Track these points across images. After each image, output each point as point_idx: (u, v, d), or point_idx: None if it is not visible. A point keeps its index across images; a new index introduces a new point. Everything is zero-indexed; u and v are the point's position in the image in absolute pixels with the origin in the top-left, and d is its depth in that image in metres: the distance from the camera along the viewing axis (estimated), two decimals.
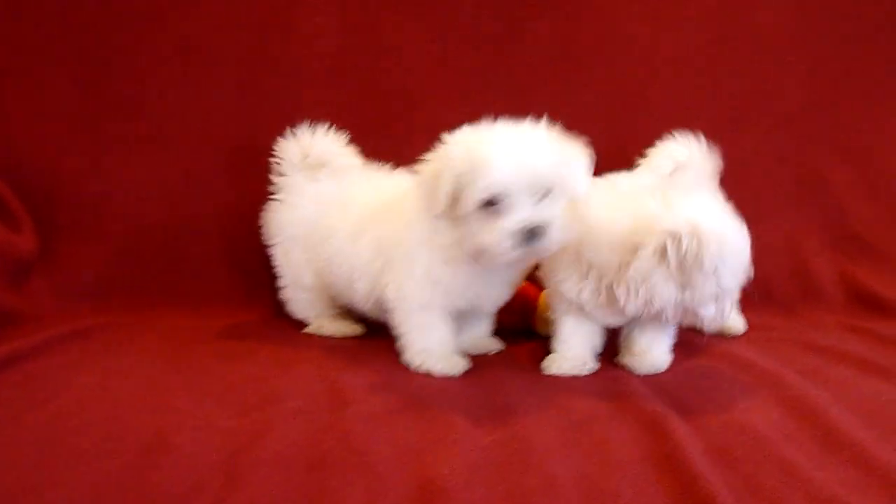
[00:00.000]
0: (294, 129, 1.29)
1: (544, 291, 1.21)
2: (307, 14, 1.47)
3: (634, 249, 0.98)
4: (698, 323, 1.02)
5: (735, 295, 1.04)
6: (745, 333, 1.26)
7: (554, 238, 0.97)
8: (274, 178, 1.28)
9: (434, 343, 1.09)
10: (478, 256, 0.99)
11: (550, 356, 1.08)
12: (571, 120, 1.40)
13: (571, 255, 1.04)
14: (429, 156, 1.03)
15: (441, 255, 1.05)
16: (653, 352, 1.09)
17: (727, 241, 0.98)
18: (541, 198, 0.97)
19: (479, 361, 1.11)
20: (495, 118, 1.05)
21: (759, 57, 1.54)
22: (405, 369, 1.08)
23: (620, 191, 1.11)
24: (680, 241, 0.96)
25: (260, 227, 1.32)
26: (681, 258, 0.97)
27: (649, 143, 1.44)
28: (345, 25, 1.47)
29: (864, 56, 1.56)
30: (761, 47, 1.54)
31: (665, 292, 0.99)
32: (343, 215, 1.19)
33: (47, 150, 1.42)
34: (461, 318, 1.13)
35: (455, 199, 0.98)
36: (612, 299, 1.01)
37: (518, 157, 0.96)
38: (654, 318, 1.03)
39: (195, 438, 0.84)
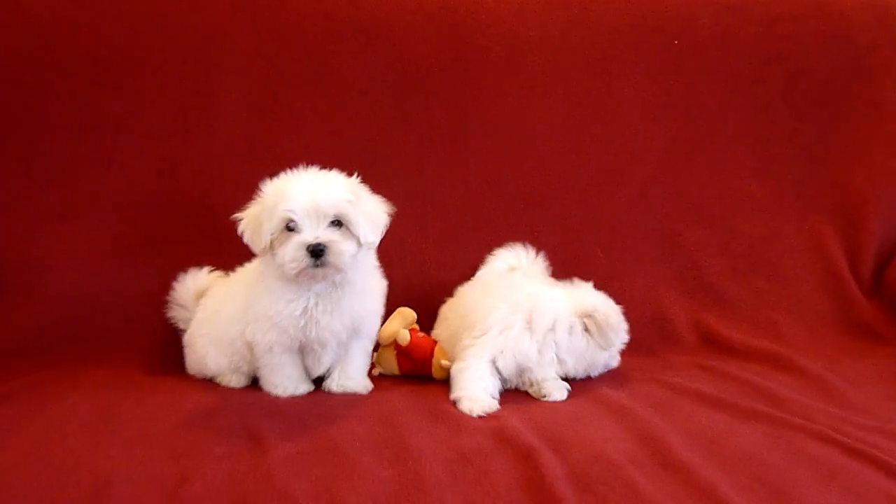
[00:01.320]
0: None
1: (437, 344, 1.40)
2: (224, 93, 1.59)
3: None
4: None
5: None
6: (610, 373, 1.44)
7: (335, 259, 1.19)
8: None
9: (282, 378, 1.31)
10: (284, 273, 1.20)
11: (460, 398, 1.26)
12: (457, 188, 1.65)
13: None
14: (248, 205, 1.26)
15: (270, 291, 1.25)
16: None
17: (617, 310, 1.37)
18: (329, 226, 1.20)
19: (385, 405, 1.25)
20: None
21: (621, 130, 1.71)
22: (318, 414, 1.22)
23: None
24: (596, 317, 1.32)
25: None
26: (601, 328, 1.33)
27: (525, 207, 1.68)
28: (255, 107, 1.60)
29: (712, 128, 1.76)
30: (624, 122, 1.71)
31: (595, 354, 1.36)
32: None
33: None
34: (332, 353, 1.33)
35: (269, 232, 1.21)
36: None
37: (308, 190, 1.20)
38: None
39: (133, 484, 0.96)
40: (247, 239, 1.24)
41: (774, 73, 1.80)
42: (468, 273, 1.59)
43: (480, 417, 1.20)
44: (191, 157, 1.59)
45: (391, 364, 1.41)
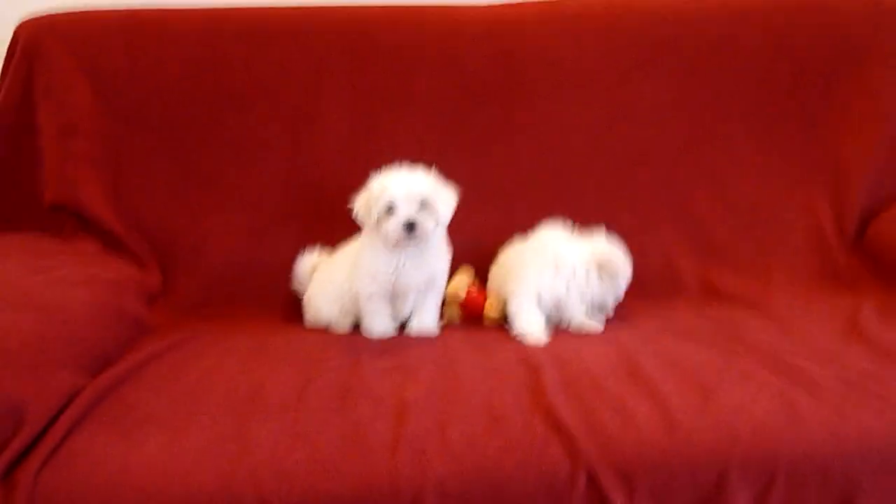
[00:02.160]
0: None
1: (488, 299, 1.88)
2: (328, 112, 2.07)
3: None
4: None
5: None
6: (620, 313, 1.85)
7: (422, 233, 1.67)
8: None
9: (377, 323, 1.78)
10: (386, 242, 1.69)
11: (525, 335, 1.72)
12: (508, 178, 2.10)
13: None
14: (360, 192, 1.74)
15: (373, 253, 1.74)
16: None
17: (624, 258, 1.78)
18: (419, 209, 1.66)
19: (446, 340, 1.72)
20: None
21: (644, 124, 2.11)
22: (399, 345, 1.71)
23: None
24: (606, 265, 1.77)
25: None
26: (610, 274, 1.74)
27: (564, 189, 2.12)
28: (353, 122, 2.06)
29: (724, 115, 2.12)
30: (646, 117, 2.10)
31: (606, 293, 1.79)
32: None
33: (159, 214, 1.99)
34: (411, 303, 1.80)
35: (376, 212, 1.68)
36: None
37: (405, 182, 1.68)
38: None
39: (279, 386, 1.46)
40: (360, 217, 1.72)
41: (779, 67, 2.14)
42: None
43: (511, 345, 1.68)
44: (304, 164, 2.06)
45: (454, 315, 1.88)
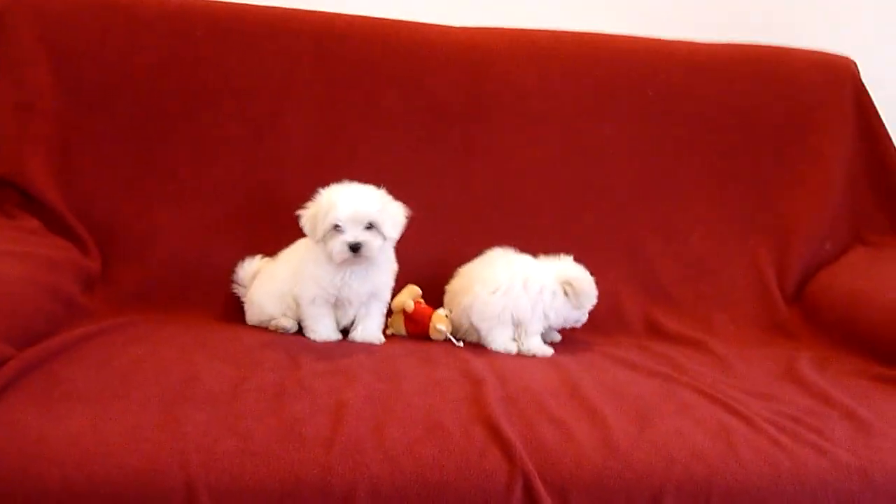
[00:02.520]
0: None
1: (435, 312, 1.87)
2: (293, 117, 2.05)
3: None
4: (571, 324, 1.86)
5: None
6: (566, 343, 1.87)
7: (367, 253, 1.67)
8: None
9: (320, 326, 1.77)
10: (330, 258, 1.68)
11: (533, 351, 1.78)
12: (465, 199, 2.11)
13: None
14: (308, 205, 1.73)
15: (318, 262, 1.73)
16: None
17: (590, 280, 1.82)
18: (365, 228, 1.66)
19: (389, 350, 1.71)
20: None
21: (602, 162, 2.14)
22: (340, 351, 1.69)
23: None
24: (573, 284, 1.79)
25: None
26: (577, 293, 1.77)
27: (520, 216, 2.13)
28: (317, 127, 2.05)
29: (677, 163, 2.17)
30: (604, 155, 2.14)
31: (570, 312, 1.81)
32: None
33: (107, 200, 1.94)
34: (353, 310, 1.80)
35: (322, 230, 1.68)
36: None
37: (351, 202, 1.67)
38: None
39: (213, 379, 1.43)
40: (306, 231, 1.71)
41: (733, 122, 2.21)
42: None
43: (454, 360, 1.66)
44: (266, 163, 2.04)
45: (400, 327, 1.87)
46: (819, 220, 2.19)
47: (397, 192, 1.94)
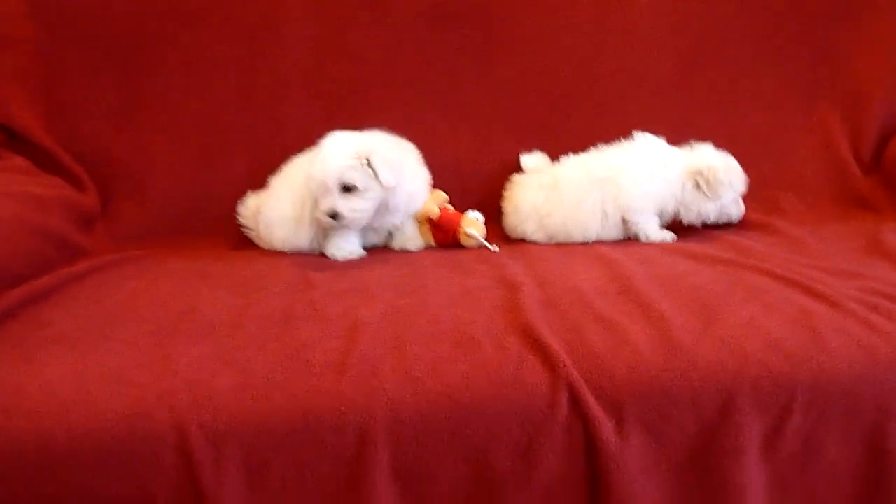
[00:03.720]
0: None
1: (463, 216, 1.67)
2: (289, 30, 1.85)
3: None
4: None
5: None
6: None
7: (349, 222, 1.51)
8: None
9: (344, 243, 1.60)
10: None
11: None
12: (486, 96, 1.89)
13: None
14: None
15: None
16: None
17: (728, 167, 1.64)
18: (342, 192, 1.49)
19: (415, 260, 1.56)
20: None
21: (637, 44, 1.91)
22: (359, 266, 1.54)
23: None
24: (704, 174, 1.62)
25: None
26: (709, 184, 1.61)
27: (547, 111, 1.90)
28: (316, 36, 1.84)
29: (724, 35, 1.91)
30: (638, 37, 1.90)
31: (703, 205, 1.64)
32: None
33: (99, 135, 1.80)
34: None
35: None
36: None
37: (316, 168, 1.50)
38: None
39: (214, 308, 1.28)
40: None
41: None
42: (495, 166, 1.85)
43: (488, 266, 1.47)
44: (264, 82, 1.85)
45: (427, 237, 1.69)
46: (891, 78, 1.91)
47: (412, 99, 1.78)
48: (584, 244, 1.64)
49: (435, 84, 1.89)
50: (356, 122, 1.66)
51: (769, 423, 1.07)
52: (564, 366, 1.07)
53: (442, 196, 1.71)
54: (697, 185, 1.64)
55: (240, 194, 1.78)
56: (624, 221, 1.66)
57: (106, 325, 1.23)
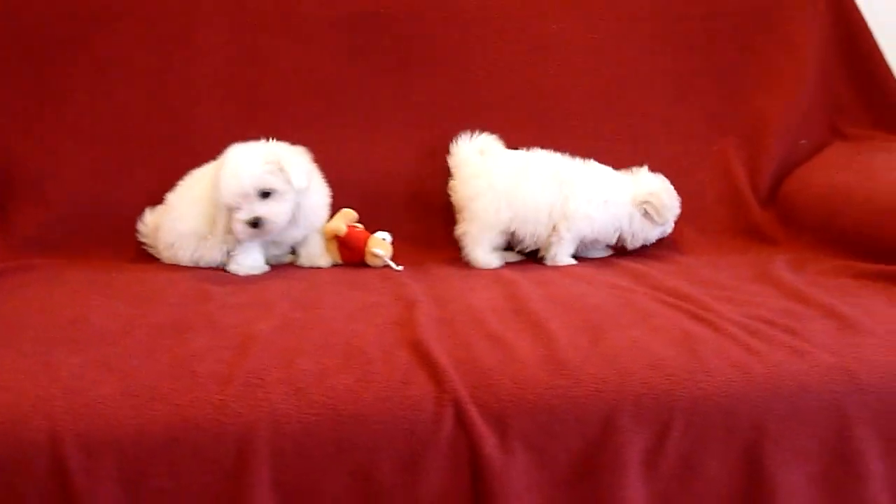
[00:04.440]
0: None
1: (371, 236, 1.68)
2: (203, 36, 1.84)
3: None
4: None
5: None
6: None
7: (271, 226, 1.51)
8: None
9: (247, 259, 1.60)
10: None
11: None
12: (401, 112, 1.90)
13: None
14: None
15: None
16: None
17: (669, 191, 1.70)
18: (260, 198, 1.49)
19: (315, 276, 1.57)
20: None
21: (556, 67, 1.94)
22: (258, 281, 1.53)
23: None
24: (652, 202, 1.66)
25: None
26: (658, 211, 1.65)
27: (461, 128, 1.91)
28: (231, 46, 1.84)
29: (640, 64, 1.97)
30: (558, 60, 1.94)
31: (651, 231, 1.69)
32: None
33: (4, 134, 1.75)
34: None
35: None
36: None
37: (230, 178, 1.49)
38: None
39: (105, 318, 1.26)
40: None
41: (695, 12, 1.99)
42: (408, 181, 1.86)
43: (389, 284, 1.48)
44: (174, 89, 1.83)
45: (334, 254, 1.69)
46: (793, 115, 1.99)
47: (325, 112, 1.78)
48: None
49: (349, 98, 1.89)
50: (266, 132, 1.65)
51: (650, 440, 1.09)
52: (451, 381, 1.08)
53: (351, 214, 1.72)
54: (646, 213, 1.68)
55: (146, 202, 1.75)
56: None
57: (7, 331, 1.20)
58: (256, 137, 1.62)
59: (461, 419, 1.06)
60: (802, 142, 2.00)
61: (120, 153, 1.82)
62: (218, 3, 1.87)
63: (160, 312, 1.29)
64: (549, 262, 1.67)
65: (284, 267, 1.67)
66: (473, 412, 1.06)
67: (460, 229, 1.69)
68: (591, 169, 1.73)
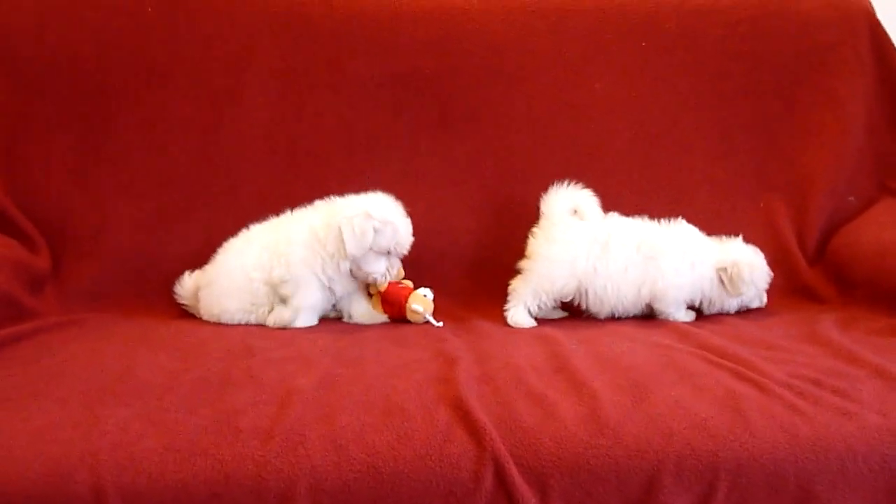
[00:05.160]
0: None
1: (413, 292, 1.69)
2: (252, 93, 1.90)
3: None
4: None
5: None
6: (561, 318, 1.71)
7: None
8: None
9: (310, 316, 1.65)
10: (362, 276, 1.64)
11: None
12: (442, 166, 1.92)
13: None
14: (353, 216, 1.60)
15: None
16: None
17: (752, 265, 1.68)
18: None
19: (358, 332, 1.58)
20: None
21: (590, 123, 1.96)
22: (301, 336, 1.54)
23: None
24: (729, 271, 1.66)
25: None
26: (732, 281, 1.65)
27: (500, 185, 1.94)
28: (277, 102, 1.90)
29: (676, 119, 1.98)
30: (593, 115, 1.96)
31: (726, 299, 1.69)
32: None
33: (56, 193, 1.82)
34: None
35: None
36: None
37: (408, 228, 1.66)
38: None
39: (150, 372, 1.28)
40: (346, 238, 1.58)
41: (737, 68, 2.00)
42: (450, 237, 1.89)
43: (430, 340, 1.49)
44: (222, 145, 1.89)
45: (378, 309, 1.70)
46: (839, 171, 1.98)
47: (369, 167, 1.80)
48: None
49: (392, 153, 1.93)
50: (311, 186, 1.73)
51: (693, 502, 1.07)
52: (491, 439, 1.07)
53: (399, 272, 1.73)
54: (721, 281, 1.67)
55: (195, 254, 1.80)
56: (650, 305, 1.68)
57: (40, 384, 1.23)
58: (301, 193, 1.68)
59: (501, 478, 1.05)
60: (850, 199, 1.97)
61: (169, 207, 1.88)
62: (267, 60, 1.93)
63: (205, 367, 1.31)
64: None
65: (326, 322, 1.69)
66: (513, 471, 1.05)
67: (514, 283, 1.69)
68: (678, 232, 1.71)
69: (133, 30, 1.89)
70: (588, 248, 1.65)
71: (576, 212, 1.70)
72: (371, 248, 1.59)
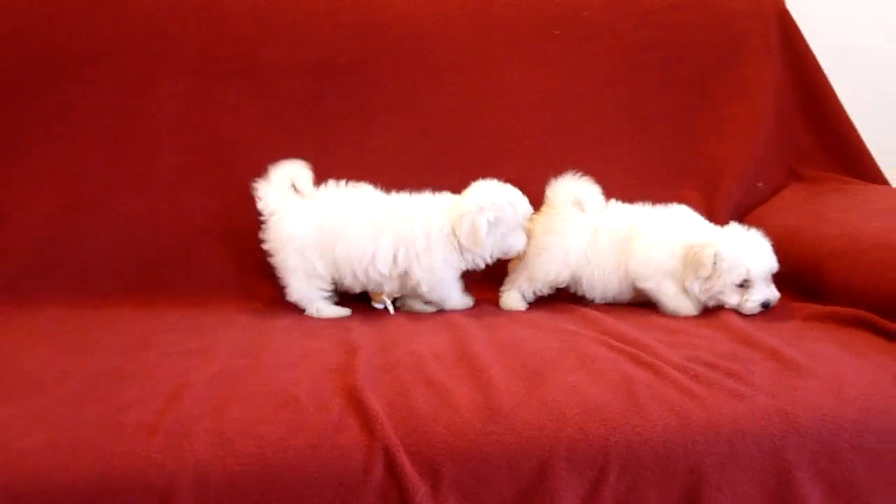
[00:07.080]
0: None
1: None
2: (166, 84, 1.86)
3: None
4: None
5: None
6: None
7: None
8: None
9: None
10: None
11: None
12: (360, 157, 1.90)
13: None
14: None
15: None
16: None
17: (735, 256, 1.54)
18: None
19: (262, 325, 1.54)
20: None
21: (507, 114, 1.96)
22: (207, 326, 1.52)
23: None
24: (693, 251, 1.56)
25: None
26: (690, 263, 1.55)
27: (416, 177, 1.90)
28: (192, 92, 1.85)
29: (593, 109, 1.98)
30: (509, 106, 1.96)
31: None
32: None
33: None
34: None
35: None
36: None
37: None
38: None
39: (39, 366, 1.26)
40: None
41: (652, 58, 2.02)
42: None
43: (336, 331, 1.48)
44: (135, 135, 1.84)
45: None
46: (749, 158, 2.01)
47: (285, 156, 1.77)
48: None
49: (309, 142, 1.89)
50: (225, 176, 1.72)
51: (585, 487, 1.08)
52: (383, 428, 1.07)
53: None
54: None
55: (109, 247, 1.77)
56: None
57: None
58: (214, 182, 1.70)
59: (391, 467, 1.05)
60: (759, 185, 2.01)
61: (80, 200, 1.82)
62: (180, 48, 1.89)
63: (99, 362, 1.29)
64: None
65: (232, 313, 1.65)
66: (404, 460, 1.05)
67: (512, 266, 1.72)
68: (666, 214, 1.69)
69: (43, 19, 1.84)
70: (580, 236, 1.67)
71: (578, 203, 1.71)
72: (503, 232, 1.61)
